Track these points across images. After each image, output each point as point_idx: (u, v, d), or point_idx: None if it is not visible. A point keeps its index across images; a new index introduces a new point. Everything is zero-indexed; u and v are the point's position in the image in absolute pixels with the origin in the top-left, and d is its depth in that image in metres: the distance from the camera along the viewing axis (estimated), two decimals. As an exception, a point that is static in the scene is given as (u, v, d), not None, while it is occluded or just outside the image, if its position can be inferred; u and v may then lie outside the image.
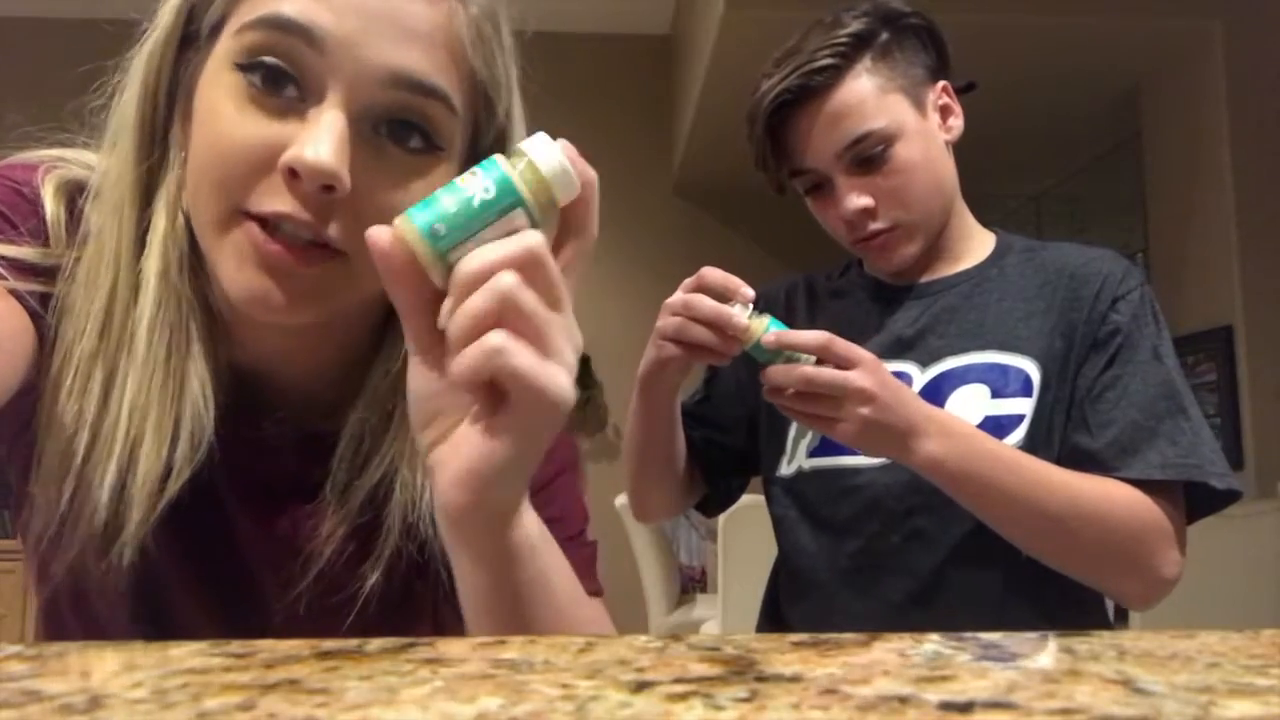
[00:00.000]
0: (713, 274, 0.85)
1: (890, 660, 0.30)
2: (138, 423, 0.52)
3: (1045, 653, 0.31)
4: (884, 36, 0.95)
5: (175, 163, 0.55)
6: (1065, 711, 0.24)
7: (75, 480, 0.53)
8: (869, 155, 0.94)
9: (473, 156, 0.55)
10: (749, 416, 1.08)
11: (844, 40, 0.94)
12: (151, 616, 0.60)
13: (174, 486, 0.53)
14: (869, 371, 0.80)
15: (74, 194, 0.57)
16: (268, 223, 0.50)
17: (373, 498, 0.59)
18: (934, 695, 0.26)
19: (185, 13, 0.54)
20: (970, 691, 0.26)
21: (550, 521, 0.64)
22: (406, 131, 0.52)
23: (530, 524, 0.48)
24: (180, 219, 0.54)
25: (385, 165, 0.52)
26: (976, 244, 1.03)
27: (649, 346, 0.92)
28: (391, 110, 0.51)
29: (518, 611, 0.47)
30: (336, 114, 0.49)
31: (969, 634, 0.33)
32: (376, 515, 0.59)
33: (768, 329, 0.82)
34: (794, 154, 0.97)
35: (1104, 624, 1.01)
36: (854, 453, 0.95)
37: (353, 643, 0.35)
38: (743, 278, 0.85)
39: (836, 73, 0.93)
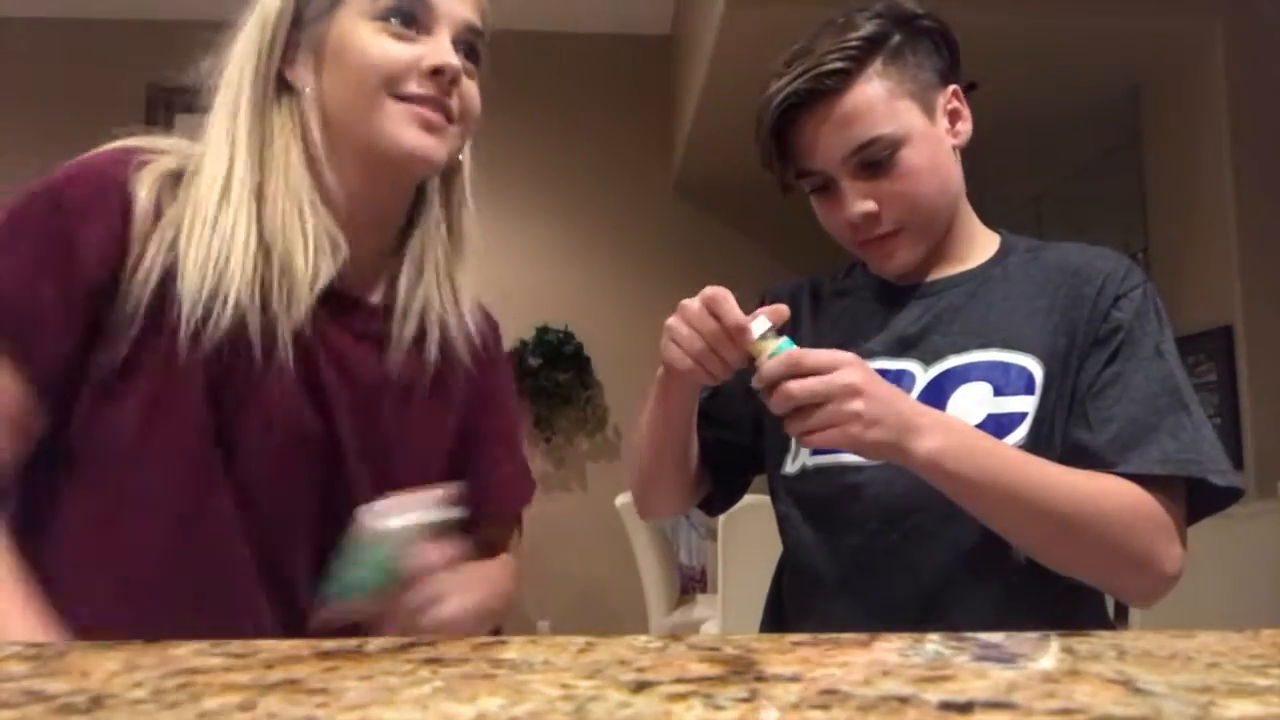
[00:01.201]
0: (721, 307, 0.85)
1: (890, 660, 0.30)
2: (282, 246, 0.77)
3: (1045, 653, 0.31)
4: (896, 39, 0.95)
5: (301, 88, 0.82)
6: (1065, 711, 0.24)
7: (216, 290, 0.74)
8: (876, 159, 0.93)
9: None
10: (755, 415, 1.08)
11: (855, 43, 0.93)
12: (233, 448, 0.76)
13: (321, 284, 0.78)
14: (852, 369, 0.80)
15: (166, 183, 0.78)
16: (413, 102, 0.80)
17: (422, 313, 0.87)
18: (934, 695, 0.26)
19: (294, 3, 0.82)
20: (970, 691, 0.26)
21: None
22: (472, 53, 0.85)
23: None
24: (299, 124, 0.81)
25: (466, 70, 0.84)
26: (980, 244, 1.03)
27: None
28: (466, 41, 0.84)
29: None
30: (447, 40, 0.82)
31: (969, 634, 0.33)
32: (423, 325, 0.87)
33: (774, 353, 0.82)
34: (801, 155, 0.97)
35: (1105, 623, 1.00)
36: (854, 450, 0.95)
37: (352, 643, 0.35)
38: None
39: (846, 76, 0.93)
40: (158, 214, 0.75)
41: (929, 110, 0.96)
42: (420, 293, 0.86)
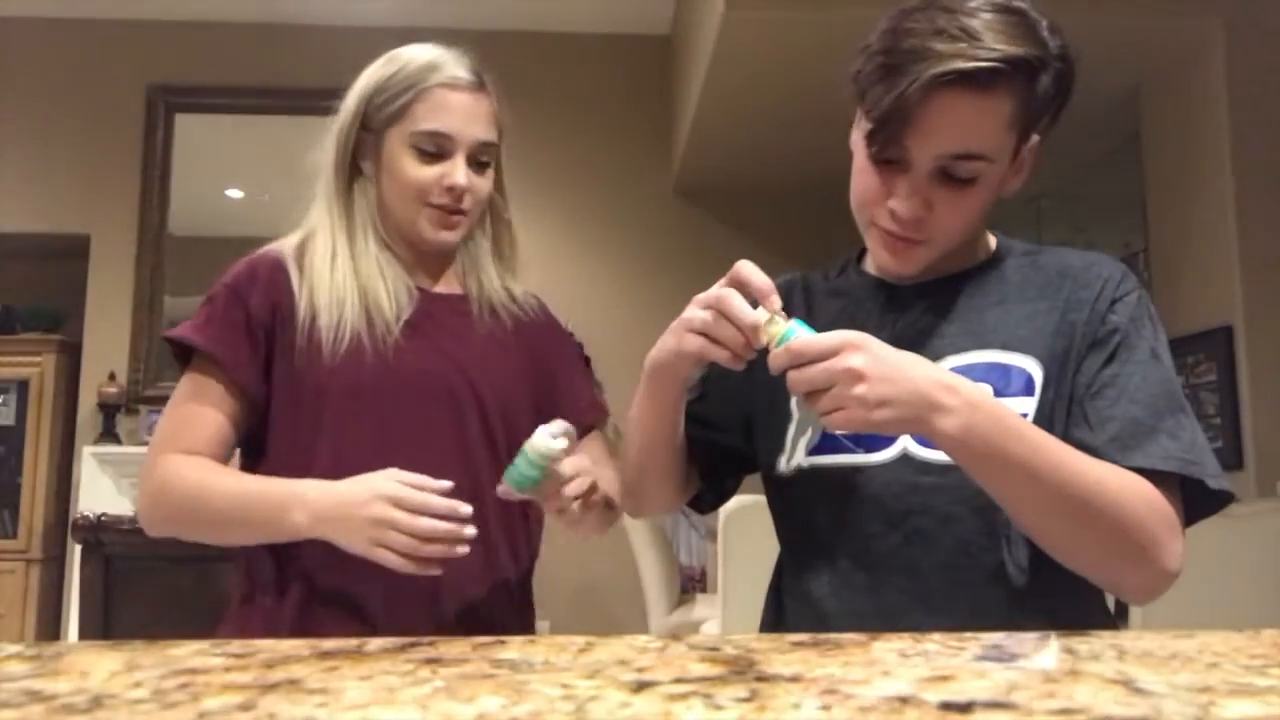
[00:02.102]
0: (749, 272, 0.85)
1: (890, 660, 0.30)
2: (372, 289, 1.16)
3: (1045, 653, 0.31)
4: (1041, 69, 0.89)
5: (369, 175, 1.21)
6: (1065, 711, 0.24)
7: (342, 322, 1.13)
8: (959, 175, 0.90)
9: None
10: (746, 415, 1.08)
11: (1019, 54, 0.87)
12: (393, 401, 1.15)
13: (406, 311, 1.17)
14: (852, 353, 0.80)
15: (297, 251, 1.19)
16: (437, 209, 1.17)
17: (491, 306, 1.26)
18: (934, 695, 0.26)
19: (363, 109, 1.18)
20: (970, 691, 0.26)
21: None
22: (484, 162, 1.20)
23: None
24: (368, 211, 1.21)
25: (480, 175, 1.19)
26: (977, 247, 1.03)
27: (668, 335, 0.91)
28: (481, 156, 1.19)
29: None
30: (463, 161, 1.17)
31: (969, 634, 0.33)
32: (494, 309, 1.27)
33: (782, 338, 0.82)
34: (900, 121, 0.88)
35: (1107, 623, 1.00)
36: (853, 451, 0.95)
37: (353, 643, 0.35)
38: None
39: (996, 77, 0.86)
40: (301, 270, 1.17)
41: (1016, 150, 0.94)
42: (485, 295, 1.26)
